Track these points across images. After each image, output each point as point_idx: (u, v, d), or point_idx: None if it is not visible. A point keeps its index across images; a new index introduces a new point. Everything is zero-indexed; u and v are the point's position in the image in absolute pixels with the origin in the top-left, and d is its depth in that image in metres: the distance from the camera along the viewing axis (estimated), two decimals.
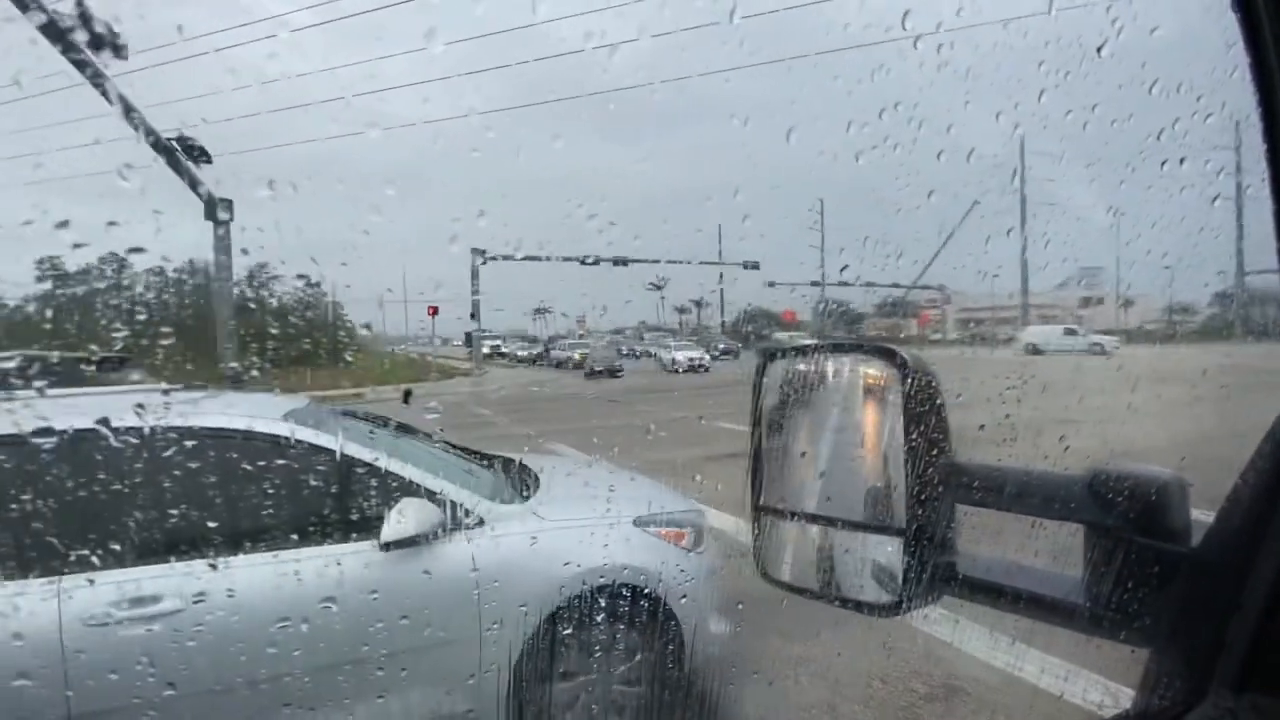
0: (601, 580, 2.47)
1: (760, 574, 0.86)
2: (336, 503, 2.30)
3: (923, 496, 0.72)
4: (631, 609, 2.52)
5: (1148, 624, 0.59)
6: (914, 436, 0.72)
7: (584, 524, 2.58)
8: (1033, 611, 0.69)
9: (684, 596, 2.56)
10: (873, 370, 0.80)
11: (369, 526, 2.22)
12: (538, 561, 2.45)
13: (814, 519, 0.83)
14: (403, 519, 2.16)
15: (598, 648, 2.51)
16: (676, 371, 23.65)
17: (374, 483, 2.27)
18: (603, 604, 2.47)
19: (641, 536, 2.64)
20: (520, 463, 3.10)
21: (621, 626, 2.54)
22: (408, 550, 2.20)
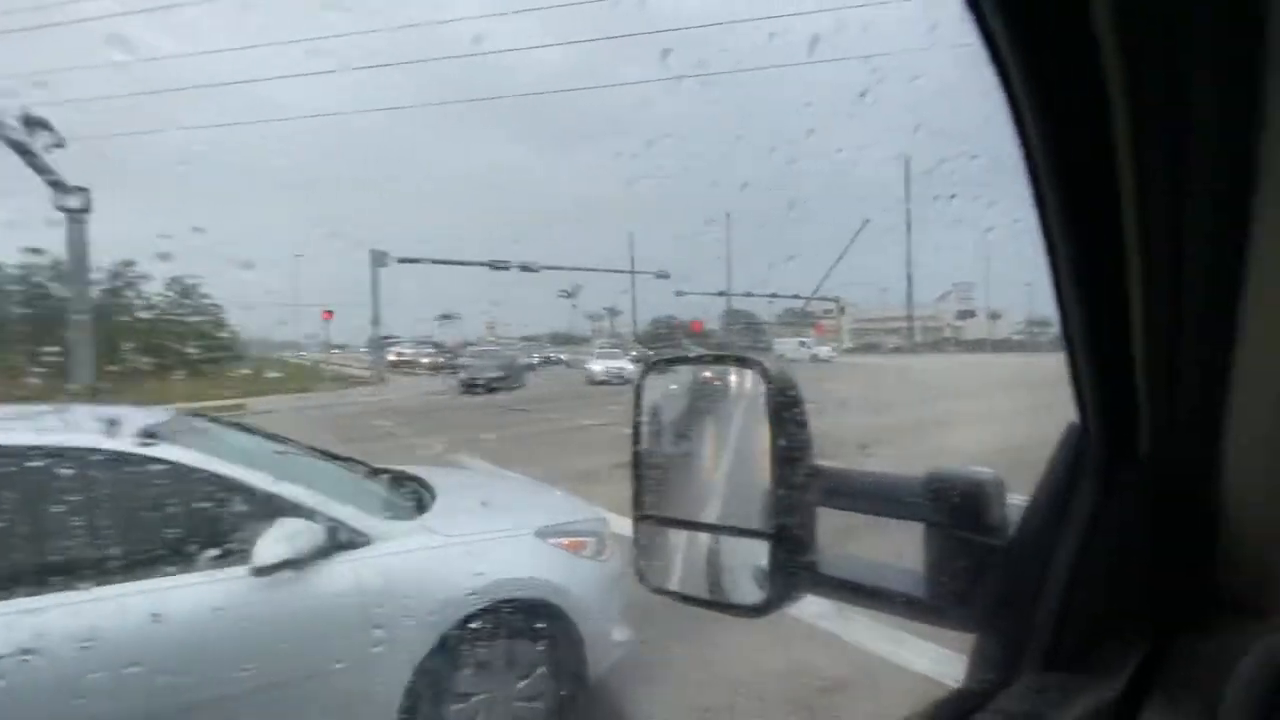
0: (500, 595, 2.40)
1: (639, 581, 0.87)
2: (202, 526, 2.10)
3: (787, 501, 0.75)
4: (532, 623, 2.48)
5: (972, 611, 0.64)
6: (778, 443, 0.76)
7: (482, 538, 2.51)
8: (882, 604, 0.74)
9: (586, 607, 2.55)
10: (741, 380, 0.83)
11: (240, 551, 2.03)
12: (432, 579, 2.35)
13: (689, 525, 0.85)
14: (278, 541, 2.00)
15: (496, 665, 2.44)
16: (607, 383, 19.95)
17: (246, 502, 2.09)
18: (502, 620, 2.40)
19: (543, 548, 2.60)
20: (415, 476, 2.97)
21: (521, 641, 2.48)
22: (284, 575, 2.04)
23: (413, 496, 2.77)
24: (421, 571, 2.34)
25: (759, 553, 0.78)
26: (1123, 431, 0.59)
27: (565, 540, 2.64)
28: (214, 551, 2.04)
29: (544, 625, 2.48)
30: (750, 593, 0.79)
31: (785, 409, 0.76)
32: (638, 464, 0.87)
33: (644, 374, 0.88)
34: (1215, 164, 0.40)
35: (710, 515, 0.84)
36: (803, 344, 28.92)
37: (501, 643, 2.43)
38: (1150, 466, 0.60)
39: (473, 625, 2.35)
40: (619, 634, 2.66)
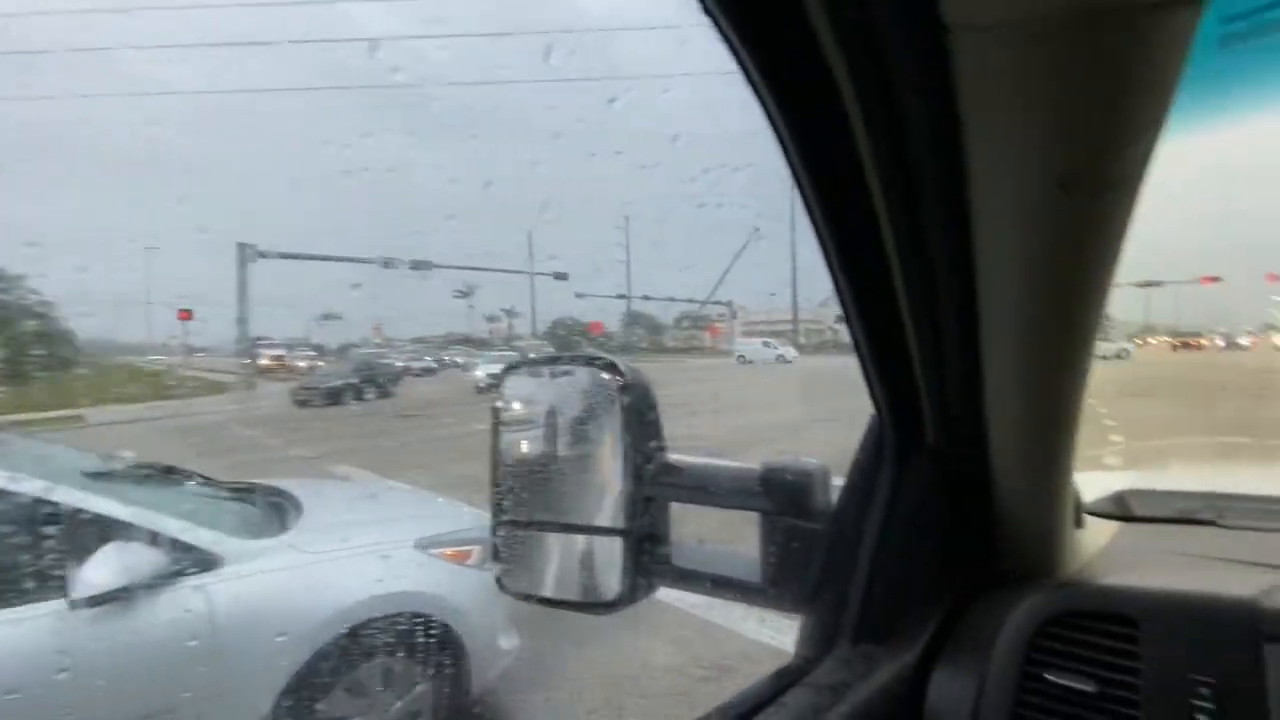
0: (374, 613, 2.28)
1: (500, 588, 0.86)
2: (5, 556, 1.81)
3: (640, 496, 0.78)
4: (410, 638, 2.37)
5: (800, 591, 0.70)
6: (632, 441, 0.78)
7: (353, 553, 2.36)
8: (726, 592, 0.78)
9: (470, 617, 2.47)
10: (598, 381, 0.85)
11: (56, 582, 1.78)
12: (297, 600, 2.18)
13: (549, 527, 0.85)
14: (102, 569, 1.77)
15: (371, 686, 2.31)
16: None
17: (63, 526, 1.83)
18: (377, 638, 2.28)
19: (424, 559, 2.49)
20: (279, 490, 2.74)
21: (399, 658, 2.37)
22: (114, 605, 1.81)
23: (275, 512, 2.56)
24: (284, 592, 2.17)
25: (614, 550, 0.80)
26: (911, 423, 0.67)
27: (448, 550, 2.55)
28: (27, 584, 1.78)
29: (424, 639, 2.38)
30: (606, 589, 0.80)
31: (639, 408, 0.78)
32: (496, 469, 0.87)
33: (502, 377, 0.88)
34: (939, 179, 0.46)
35: (569, 516, 0.84)
36: (766, 344, 28.83)
37: (378, 661, 2.31)
38: (936, 453, 0.67)
39: (344, 645, 2.21)
40: (505, 641, 2.60)
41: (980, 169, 0.43)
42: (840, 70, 0.41)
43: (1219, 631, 0.59)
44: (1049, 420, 0.60)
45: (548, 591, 0.85)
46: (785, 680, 0.63)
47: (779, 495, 0.73)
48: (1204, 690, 0.56)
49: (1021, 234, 0.47)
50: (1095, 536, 0.85)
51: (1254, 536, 0.85)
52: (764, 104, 0.45)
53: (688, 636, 3.14)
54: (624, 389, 0.79)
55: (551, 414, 0.88)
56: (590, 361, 0.88)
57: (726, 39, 0.40)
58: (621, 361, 0.84)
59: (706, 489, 0.83)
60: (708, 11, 0.39)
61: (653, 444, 0.80)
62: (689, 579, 0.80)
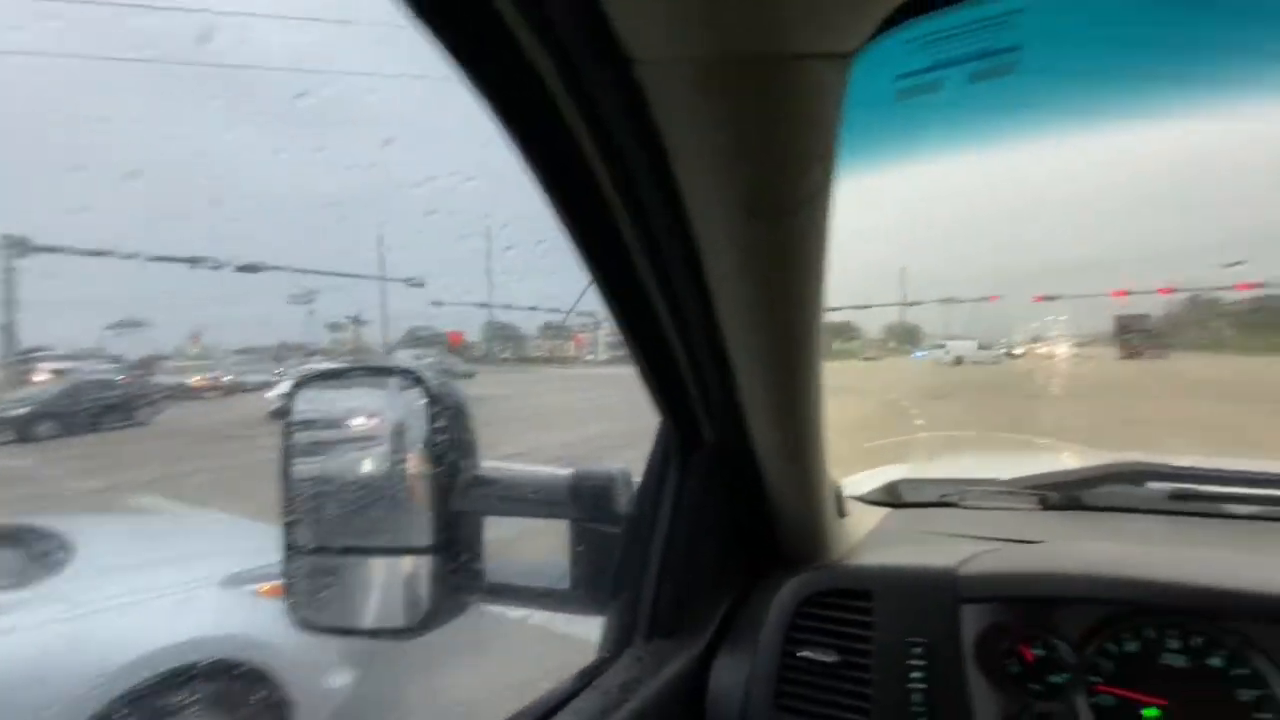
0: (171, 666, 1.98)
1: (298, 625, 0.78)
2: None
3: (449, 512, 0.75)
4: (219, 691, 2.08)
5: (602, 594, 0.71)
6: (440, 455, 0.75)
7: (140, 598, 2.03)
8: (540, 602, 0.78)
9: (291, 658, 2.23)
10: (402, 393, 0.81)
11: None
12: (65, 662, 1.83)
13: (351, 551, 0.80)
14: None
15: None
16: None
17: None
18: (173, 697, 1.98)
19: (234, 599, 2.21)
20: (42, 531, 2.29)
21: (205, 716, 2.07)
22: None
23: (36, 557, 2.14)
24: (46, 654, 1.81)
25: (423, 570, 0.76)
26: (690, 425, 0.72)
27: (264, 585, 2.28)
28: None
29: (237, 689, 2.10)
30: (414, 612, 0.77)
31: (447, 419, 0.76)
32: (287, 495, 0.79)
33: (294, 391, 0.81)
34: (661, 203, 0.49)
35: (372, 539, 0.79)
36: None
37: None
38: (713, 452, 0.73)
39: (129, 712, 1.89)
40: (335, 680, 2.38)
41: (687, 194, 0.47)
42: (562, 99, 0.42)
43: (929, 598, 0.69)
44: (794, 419, 0.67)
45: (353, 622, 0.79)
46: (583, 681, 0.65)
47: (585, 502, 0.74)
48: (917, 650, 0.65)
49: (730, 254, 0.52)
50: (866, 521, 0.96)
51: (984, 514, 1.01)
52: (510, 133, 0.46)
53: (539, 651, 3.09)
54: (431, 401, 0.76)
55: (350, 428, 0.83)
56: (392, 373, 0.84)
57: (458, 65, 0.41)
58: (429, 372, 0.81)
59: (519, 500, 0.82)
60: (435, 36, 0.38)
61: (461, 456, 0.78)
62: (501, 593, 0.79)
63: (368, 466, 0.82)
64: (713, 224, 0.48)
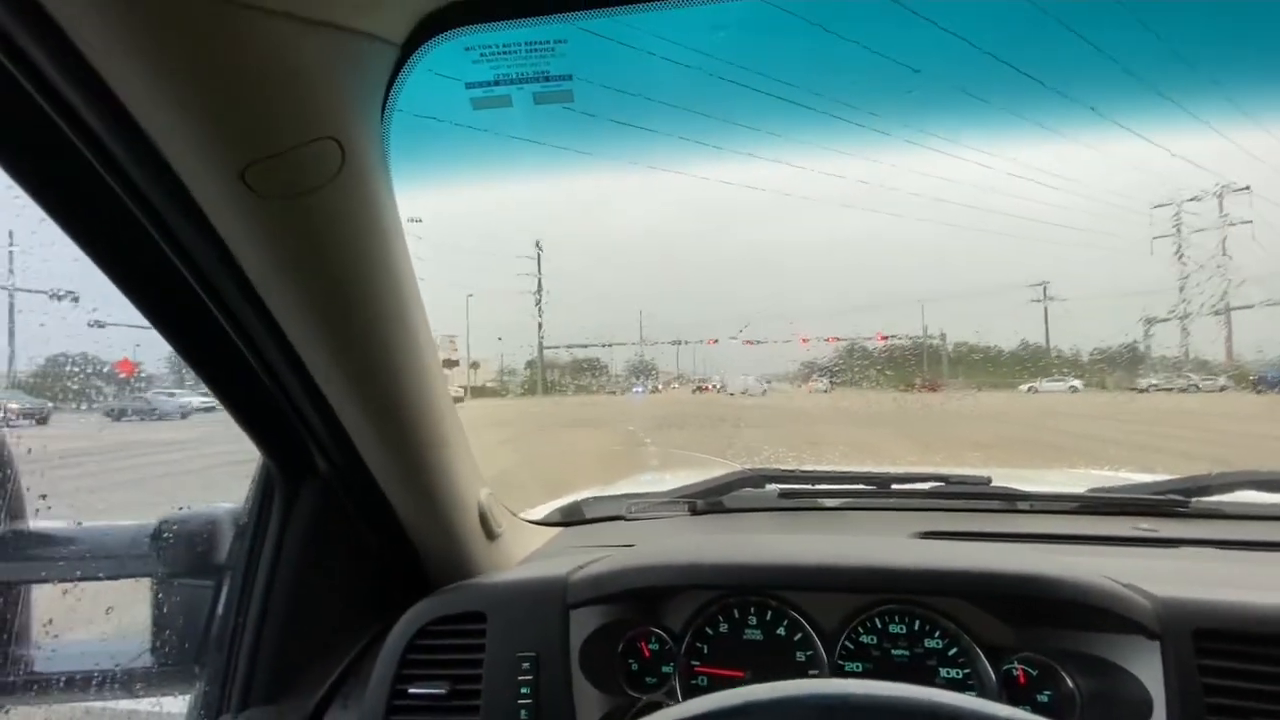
0: None
1: None
2: None
3: None
4: None
5: (187, 665, 0.60)
6: None
7: None
8: (109, 690, 0.62)
9: None
10: None
11: None
12: None
13: None
14: None
15: None
16: None
17: None
18: None
19: None
20: None
21: None
22: None
23: None
24: None
25: None
26: (296, 455, 0.66)
27: None
28: None
29: None
30: None
31: None
32: None
33: None
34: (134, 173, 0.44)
35: None
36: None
37: None
38: (328, 481, 0.68)
39: None
40: None
41: (171, 157, 0.41)
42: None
43: (540, 609, 0.73)
44: (406, 443, 0.66)
45: None
46: None
47: (174, 554, 0.62)
48: (526, 664, 0.68)
49: (256, 244, 0.46)
50: (531, 543, 0.99)
51: (644, 524, 1.11)
52: None
53: None
54: None
55: None
56: None
57: None
58: None
59: (91, 558, 0.65)
60: None
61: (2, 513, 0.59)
62: (52, 686, 0.61)
63: None
64: (214, 200, 0.43)
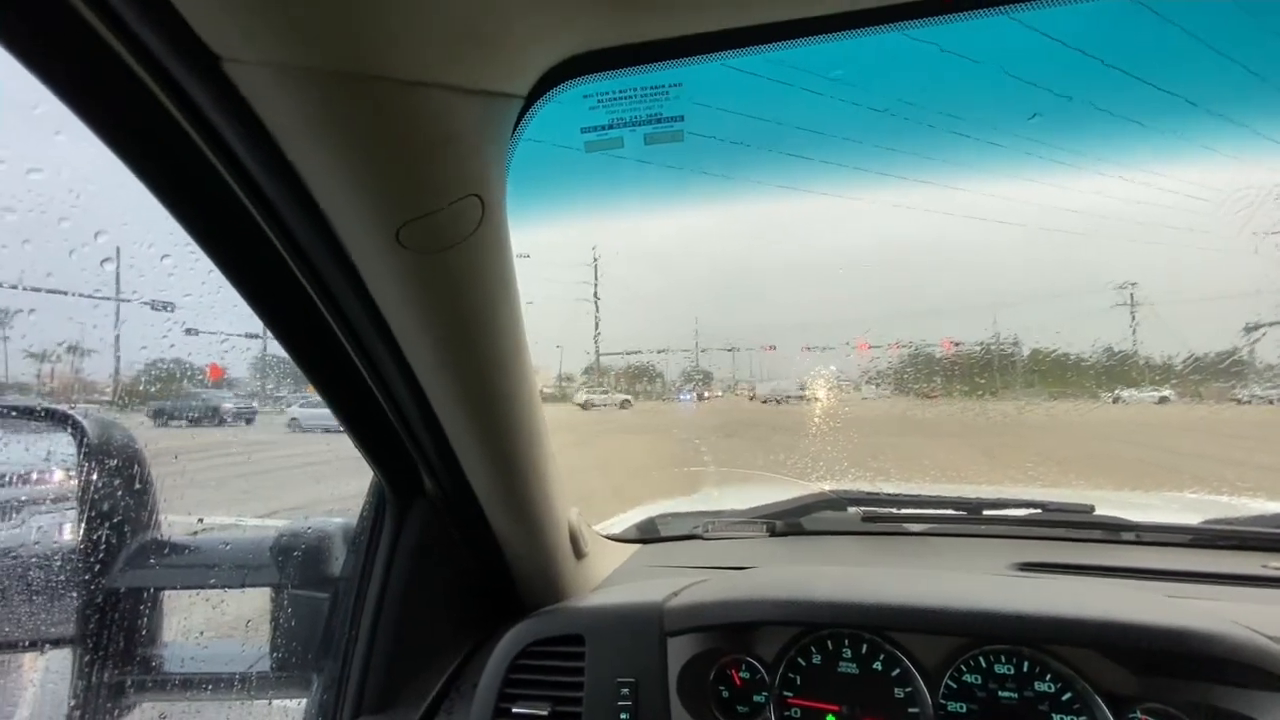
0: None
1: None
2: None
3: (111, 590, 0.60)
4: None
5: (304, 672, 0.63)
6: (99, 518, 0.61)
7: None
8: (232, 690, 0.66)
9: None
10: (46, 441, 0.65)
11: None
12: None
13: None
14: None
15: None
16: None
17: None
18: None
19: None
20: None
21: None
22: None
23: None
24: None
25: (59, 669, 0.61)
26: (406, 476, 0.68)
27: None
28: None
29: None
30: None
31: (107, 471, 0.62)
32: None
33: None
34: (298, 227, 0.47)
35: None
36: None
37: None
38: (434, 502, 0.70)
39: None
40: None
41: (331, 217, 0.44)
42: (153, 96, 0.39)
43: (638, 636, 0.73)
44: (506, 466, 0.67)
45: None
46: None
47: (292, 565, 0.65)
48: (625, 690, 0.67)
49: (394, 288, 0.49)
50: (613, 560, 0.99)
51: (722, 544, 1.10)
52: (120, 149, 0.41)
53: None
54: (89, 452, 0.62)
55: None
56: (44, 415, 0.68)
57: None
58: (88, 416, 0.67)
59: (212, 567, 0.70)
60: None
61: (130, 517, 0.64)
62: (181, 685, 0.66)
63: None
64: (369, 256, 0.47)
